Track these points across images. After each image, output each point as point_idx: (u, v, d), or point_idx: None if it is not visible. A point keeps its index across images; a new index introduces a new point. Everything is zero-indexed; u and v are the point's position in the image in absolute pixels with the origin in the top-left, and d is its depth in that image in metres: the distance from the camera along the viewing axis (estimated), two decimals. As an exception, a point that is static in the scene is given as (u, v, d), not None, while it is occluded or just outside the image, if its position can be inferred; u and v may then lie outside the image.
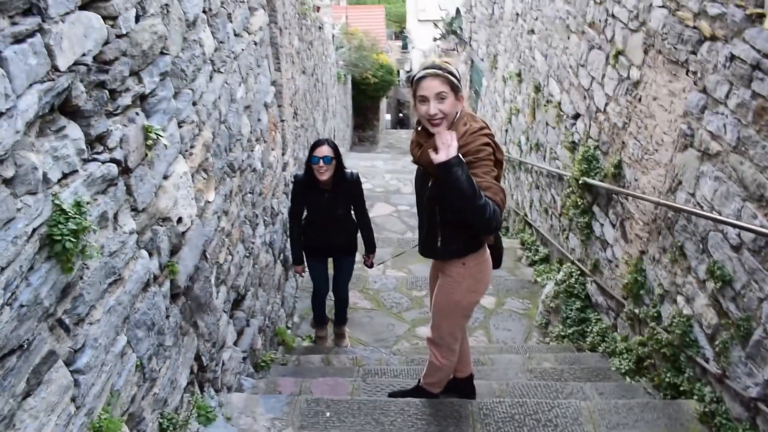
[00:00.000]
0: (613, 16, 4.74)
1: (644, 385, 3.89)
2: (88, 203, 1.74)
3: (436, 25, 18.43)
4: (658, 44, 3.97)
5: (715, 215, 3.20)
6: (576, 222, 5.39)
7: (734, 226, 3.02)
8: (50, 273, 1.59)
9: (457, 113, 2.70)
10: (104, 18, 1.90)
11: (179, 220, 2.55)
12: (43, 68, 1.56)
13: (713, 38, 3.31)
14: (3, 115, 1.39)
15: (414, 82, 2.67)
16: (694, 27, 3.50)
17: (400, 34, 39.45)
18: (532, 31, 7.44)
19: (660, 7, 3.94)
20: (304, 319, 5.76)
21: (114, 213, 1.95)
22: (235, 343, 3.58)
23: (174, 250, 2.50)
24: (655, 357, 3.89)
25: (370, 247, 4.72)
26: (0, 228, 1.40)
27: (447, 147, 2.46)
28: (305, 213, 4.45)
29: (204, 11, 3.03)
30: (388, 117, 31.96)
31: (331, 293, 4.97)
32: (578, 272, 5.34)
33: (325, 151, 4.11)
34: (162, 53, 2.39)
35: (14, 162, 1.46)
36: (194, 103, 2.82)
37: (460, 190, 2.45)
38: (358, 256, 4.81)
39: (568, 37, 5.87)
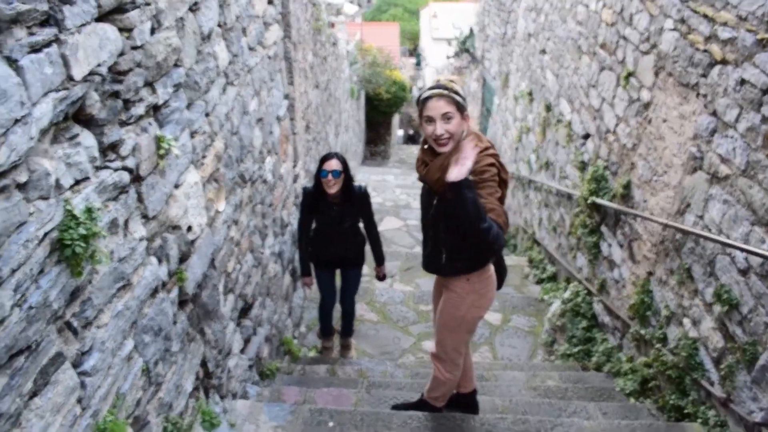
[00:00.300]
0: (624, 38, 4.75)
1: (648, 407, 3.85)
2: (99, 209, 1.76)
3: (449, 43, 18.52)
4: (668, 67, 3.97)
5: (723, 238, 3.18)
6: (584, 241, 5.37)
7: (742, 249, 2.99)
8: (60, 276, 1.61)
9: (463, 132, 2.71)
10: (120, 30, 1.93)
11: (189, 228, 2.57)
12: (59, 77, 1.59)
13: (724, 62, 3.31)
14: (18, 122, 1.42)
15: (421, 102, 2.69)
16: (705, 50, 3.50)
17: (414, 52, 39.70)
18: (543, 51, 7.47)
19: (671, 30, 3.95)
20: (310, 329, 5.76)
21: (124, 220, 1.97)
22: (242, 351, 3.59)
23: (183, 258, 2.52)
24: (660, 379, 3.85)
25: (380, 260, 4.73)
26: (12, 231, 1.42)
27: (462, 165, 2.45)
28: (314, 224, 4.47)
29: (219, 25, 3.07)
30: (401, 132, 32.07)
31: (338, 305, 4.98)
32: (585, 291, 5.31)
33: (333, 164, 4.14)
34: (176, 65, 2.42)
35: (28, 167, 1.48)
36: (207, 115, 2.85)
37: (466, 212, 2.46)
38: (366, 269, 4.81)
39: (580, 58, 5.88)
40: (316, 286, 4.93)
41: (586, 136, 5.60)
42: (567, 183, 6.16)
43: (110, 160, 1.90)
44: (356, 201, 4.32)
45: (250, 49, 3.81)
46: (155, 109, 2.24)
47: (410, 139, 29.13)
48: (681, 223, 3.68)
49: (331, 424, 3.22)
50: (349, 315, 5.01)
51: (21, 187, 1.46)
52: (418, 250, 8.04)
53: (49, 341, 1.59)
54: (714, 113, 3.38)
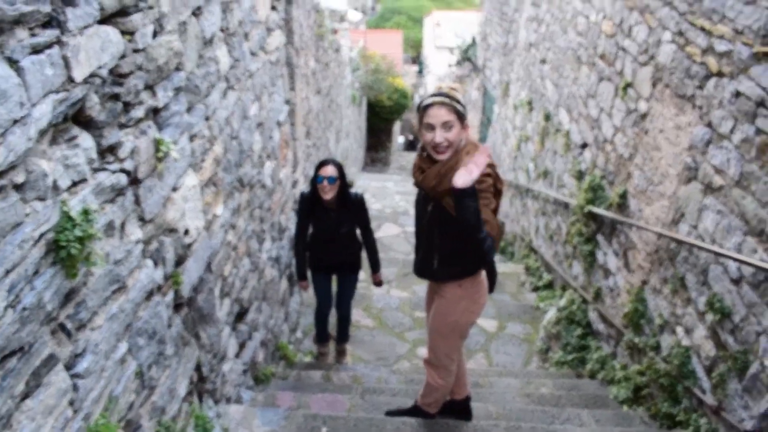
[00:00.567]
0: (623, 49, 4.77)
1: (641, 415, 3.84)
2: (95, 211, 1.76)
3: (451, 51, 18.57)
4: (666, 78, 3.98)
5: (716, 248, 3.19)
6: (580, 250, 5.37)
7: (735, 259, 3.00)
8: (54, 278, 1.60)
9: (461, 141, 2.72)
10: (122, 33, 1.93)
11: (186, 231, 2.57)
12: (59, 79, 1.59)
13: (720, 74, 3.32)
14: (17, 122, 1.42)
15: (421, 109, 2.69)
16: (702, 63, 3.52)
17: (417, 59, 39.79)
18: (544, 61, 7.49)
19: (669, 42, 3.97)
20: (306, 335, 5.75)
21: (121, 222, 1.97)
22: (237, 356, 3.58)
23: (179, 261, 2.52)
24: (653, 387, 3.84)
25: (375, 267, 4.72)
26: (8, 232, 1.42)
27: (471, 172, 2.45)
28: (311, 230, 4.48)
29: (221, 30, 3.08)
30: (401, 139, 32.11)
31: (334, 310, 4.97)
32: (580, 299, 5.31)
33: (329, 171, 4.14)
34: (177, 69, 2.42)
35: (26, 168, 1.48)
36: (207, 119, 2.86)
37: (466, 220, 2.46)
38: (362, 275, 4.81)
39: (579, 68, 5.90)
40: (312, 292, 4.93)
41: (584, 146, 5.61)
42: (564, 192, 6.16)
43: (108, 162, 1.90)
44: (353, 207, 4.32)
45: (252, 54, 3.82)
46: (155, 112, 2.24)
47: (410, 146, 29.18)
48: (675, 233, 3.68)
49: (324, 429, 3.21)
50: (344, 321, 5.00)
51: (18, 187, 1.46)
52: (416, 256, 8.02)
53: (42, 343, 1.59)
54: (709, 124, 3.39)
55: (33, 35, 1.49)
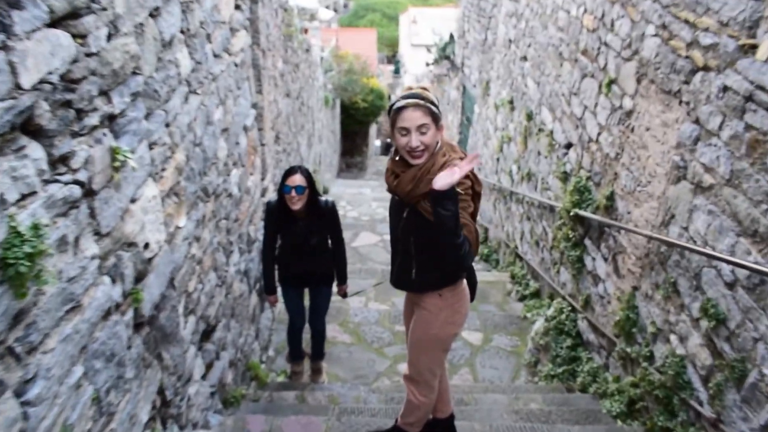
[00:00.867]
0: (606, 44, 4.85)
1: (636, 429, 3.88)
2: (46, 226, 1.74)
3: (429, 50, 18.70)
4: (650, 73, 4.06)
5: (708, 251, 3.23)
6: (567, 255, 5.42)
7: (728, 262, 3.04)
8: (2, 298, 1.58)
9: (437, 143, 2.74)
10: (74, 36, 1.92)
11: (146, 245, 2.55)
12: (5, 86, 1.57)
13: (706, 68, 3.39)
14: (-42, 132, 1.41)
15: (394, 112, 2.70)
16: (687, 57, 3.59)
17: (393, 59, 39.98)
18: (524, 58, 7.57)
19: (653, 36, 4.04)
20: (279, 353, 5.72)
21: (75, 237, 1.95)
22: (203, 377, 3.56)
23: (139, 277, 2.50)
24: (648, 399, 3.89)
25: (343, 278, 4.73)
26: (-51, 250, 1.40)
27: (452, 174, 2.47)
28: (279, 241, 4.47)
29: (181, 31, 3.07)
30: (378, 143, 32.17)
31: (308, 326, 4.95)
32: (569, 308, 5.36)
33: (297, 180, 4.14)
34: (134, 73, 2.41)
35: (-32, 181, 1.46)
36: (167, 125, 2.85)
37: (444, 224, 2.49)
38: (334, 287, 4.81)
39: (561, 65, 5.98)
40: (283, 307, 4.92)
41: (569, 146, 5.68)
42: (549, 194, 6.22)
43: (60, 173, 1.88)
44: (323, 216, 4.33)
45: (215, 56, 3.81)
46: (111, 119, 2.23)
47: (388, 149, 29.28)
48: (666, 235, 3.74)
49: (300, 453, 3.20)
50: (319, 337, 4.99)
51: (-40, 202, 1.44)
52: (396, 266, 8.04)
53: (-10, 368, 1.56)
54: (697, 121, 3.46)
55: (-25, 40, 1.48)
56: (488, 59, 10.15)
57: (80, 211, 1.98)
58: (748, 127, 2.98)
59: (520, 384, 5.37)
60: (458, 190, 2.60)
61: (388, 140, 29.70)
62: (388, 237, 3.26)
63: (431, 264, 2.86)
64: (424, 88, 2.76)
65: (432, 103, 2.68)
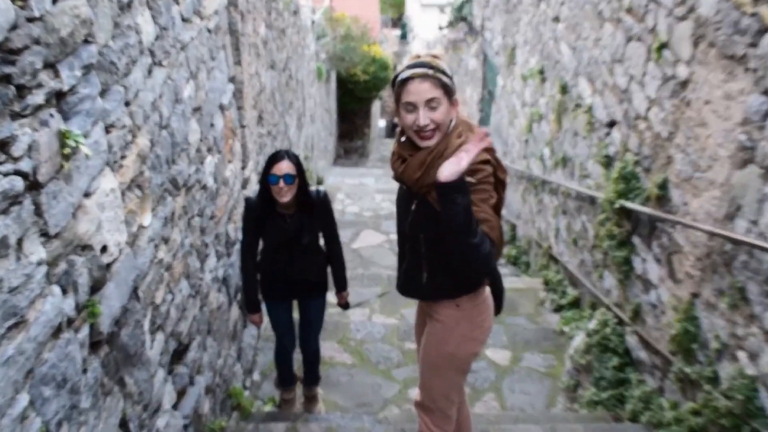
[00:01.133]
0: (655, 0, 4.83)
1: (696, 465, 3.88)
2: (-17, 226, 1.75)
3: (442, 10, 18.68)
4: (710, 35, 4.04)
5: (782, 249, 3.24)
6: (612, 256, 5.42)
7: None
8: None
9: (451, 122, 2.74)
10: (12, -1, 1.93)
11: (104, 248, 2.56)
12: (-70, 58, 1.58)
13: (777, 28, 3.38)
14: None
15: (398, 85, 2.70)
16: (753, 14, 3.57)
17: (399, 22, 39.95)
18: (557, 19, 7.56)
19: (712, -11, 4.03)
20: (266, 377, 5.74)
21: (17, 238, 1.95)
22: (174, 407, 3.57)
23: (96, 287, 2.51)
24: (712, 430, 3.88)
25: (342, 283, 4.74)
26: None
27: (459, 161, 2.48)
28: (261, 245, 4.46)
29: (142, -10, 3.08)
30: (382, 123, 32.17)
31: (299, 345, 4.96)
32: (615, 320, 5.36)
33: (285, 167, 4.13)
34: (86, 41, 2.41)
35: None
36: (127, 104, 2.85)
37: (453, 222, 2.49)
38: (330, 296, 4.80)
39: (601, 26, 5.96)
40: (268, 323, 4.91)
41: (611, 124, 5.67)
42: (589, 183, 6.22)
43: (-2, 162, 1.89)
44: (315, 210, 4.33)
45: (184, 20, 3.82)
46: (59, 97, 2.23)
47: (393, 131, 29.33)
48: (731, 231, 3.73)
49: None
50: (312, 358, 4.99)
51: None
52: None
53: None
54: (766, 92, 3.44)
55: None
56: (513, 20, 10.13)
57: (23, 207, 1.99)
58: (829, 99, 2.97)
59: (556, 412, 5.37)
60: (470, 179, 2.60)
61: (395, 119, 29.73)
62: (395, 237, 3.26)
63: (445, 266, 2.85)
64: (436, 56, 2.75)
65: (444, 73, 2.68)
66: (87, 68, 2.41)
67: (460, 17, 15.53)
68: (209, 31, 4.37)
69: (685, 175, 4.32)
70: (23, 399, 1.99)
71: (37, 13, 2.05)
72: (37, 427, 2.07)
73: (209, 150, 4.33)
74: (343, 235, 4.61)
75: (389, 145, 24.89)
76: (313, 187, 4.38)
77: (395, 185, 3.01)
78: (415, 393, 5.42)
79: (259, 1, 6.79)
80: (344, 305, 4.85)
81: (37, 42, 2.05)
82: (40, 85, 2.08)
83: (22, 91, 2.00)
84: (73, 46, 2.30)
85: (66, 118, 2.27)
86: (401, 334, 6.31)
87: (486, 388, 5.67)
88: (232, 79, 5.20)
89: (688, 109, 4.32)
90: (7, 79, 1.91)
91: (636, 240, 5.08)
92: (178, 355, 3.68)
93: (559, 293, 6.96)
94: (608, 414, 4.99)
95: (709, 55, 4.05)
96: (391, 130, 30.48)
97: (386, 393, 5.54)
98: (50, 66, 2.16)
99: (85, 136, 2.36)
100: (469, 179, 2.57)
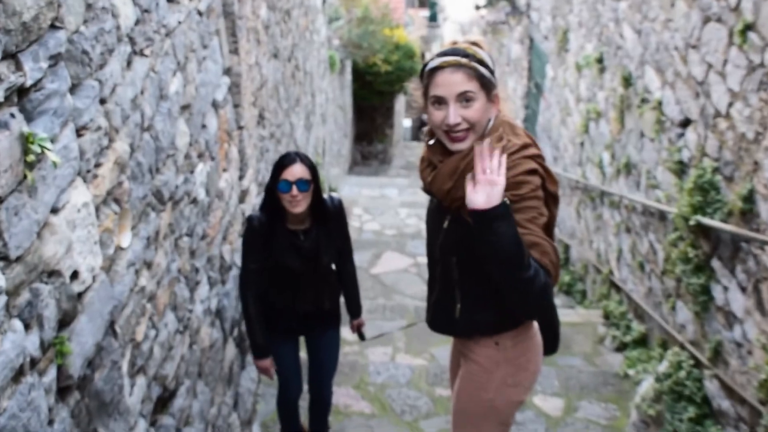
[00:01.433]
0: (738, -27, 4.82)
1: None
2: (-69, 248, 1.76)
3: (479, -14, 18.70)
4: (805, 15, 4.02)
5: None
6: (686, 284, 5.37)
7: None
8: None
9: (489, 122, 2.72)
10: (-35, -26, 1.95)
11: (74, 274, 2.57)
12: None
13: None
14: None
15: (426, 75, 2.70)
16: None
17: (427, 1, 40.06)
18: (619, -4, 7.55)
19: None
20: (268, 429, 5.73)
21: (-28, 263, 1.97)
22: (159, 466, 3.57)
23: (65, 321, 2.51)
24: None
25: (357, 308, 4.75)
26: None
27: (490, 182, 2.45)
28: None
29: (121, -35, 3.10)
30: (408, 123, 32.18)
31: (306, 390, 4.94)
32: (691, 362, 5.32)
33: (297, 171, 4.09)
34: (53, 27, 2.43)
35: None
36: (103, 101, 2.87)
37: (500, 254, 2.46)
38: (343, 331, 4.77)
39: (673, 5, 5.95)
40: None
41: (685, 123, 5.64)
42: (658, 195, 6.18)
43: (-51, 172, 1.91)
44: (331, 221, 4.33)
45: (170, 1, 3.84)
46: (21, 93, 2.25)
47: (421, 131, 29.38)
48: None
49: None
50: (322, 405, 4.95)
51: None
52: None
53: None
54: None
55: None
56: (566, -1, 10.15)
57: (-22, 226, 2.00)
58: None
59: (619, 473, 5.33)
60: (520, 192, 2.57)
61: (423, 117, 29.76)
62: (423, 260, 3.25)
63: (483, 296, 2.83)
64: (475, 43, 2.74)
65: (481, 62, 2.66)
66: (54, 59, 2.43)
67: (502, -5, 15.56)
68: (200, 13, 4.40)
69: (776, 185, 4.28)
70: (-22, 456, 2.00)
71: (-6, -7, 2.07)
72: (-7, 491, 2.07)
73: (200, 156, 4.34)
74: (360, 258, 4.60)
75: (416, 150, 24.92)
76: (325, 194, 4.34)
77: (424, 198, 3.00)
78: (447, 449, 5.42)
79: (260, -22, 6.84)
80: (360, 334, 4.85)
81: (-6, 27, 2.07)
82: (-1, 80, 2.10)
83: (-24, 87, 2.01)
84: (38, 33, 2.32)
85: (30, 118, 2.28)
86: (431, 377, 6.27)
87: (534, 443, 5.63)
88: (227, 71, 5.22)
89: (779, 104, 4.29)
90: (-41, 72, 1.93)
91: (716, 264, 5.03)
92: (163, 402, 3.68)
93: (623, 328, 6.90)
94: (684, 476, 4.94)
95: (805, 40, 4.03)
96: (418, 131, 30.48)
97: (413, 449, 5.52)
98: (11, 56, 2.17)
99: (53, 140, 2.37)
100: (510, 194, 2.55)
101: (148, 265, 3.40)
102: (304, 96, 10.60)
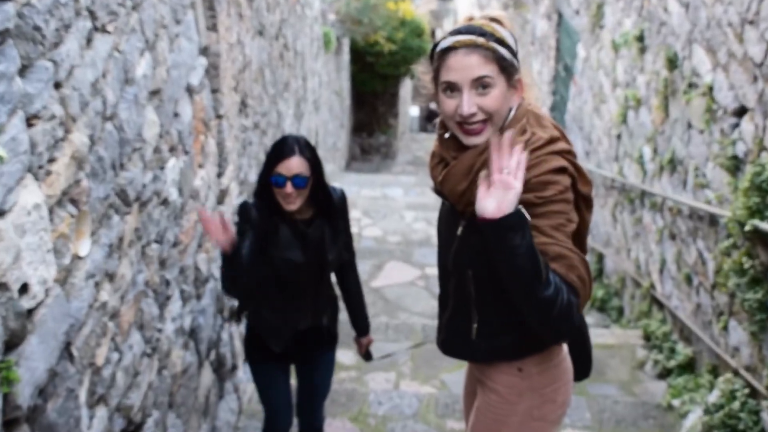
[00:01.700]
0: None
1: None
2: None
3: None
4: None
5: None
6: (742, 300, 5.37)
7: None
8: None
9: (510, 111, 2.71)
10: None
11: (23, 288, 2.57)
12: None
13: None
14: None
15: (437, 58, 2.69)
16: None
17: (438, -31, 40.17)
18: (662, -37, 7.55)
19: None
20: (251, 468, 5.73)
21: None
22: None
23: (12, 342, 2.51)
24: None
25: (364, 324, 4.71)
26: None
27: (505, 185, 2.43)
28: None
29: (78, -74, 3.10)
30: (415, 112, 32.21)
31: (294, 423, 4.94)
32: (746, 390, 5.31)
33: (295, 166, 4.01)
34: (0, -2, 2.44)
35: None
36: (58, 85, 2.87)
37: (512, 270, 2.46)
38: (343, 355, 4.76)
39: (725, -27, 5.95)
40: (255, 395, 4.83)
41: (741, 112, 5.64)
42: (708, 195, 6.18)
43: None
44: (333, 215, 4.28)
45: (137, -33, 3.85)
46: (-39, 76, 2.26)
47: (429, 121, 29.37)
48: None
49: None
50: (314, 438, 4.95)
51: None
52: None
53: None
54: None
55: None
56: (600, -33, 10.15)
57: None
58: None
59: None
60: (544, 194, 2.55)
61: (431, 105, 29.78)
62: (433, 271, 3.23)
63: (503, 315, 2.82)
64: (497, 19, 2.73)
65: (501, 41, 2.65)
66: (1, 36, 2.43)
67: (524, -38, 15.60)
68: (173, -17, 4.41)
69: None
70: None
71: (-68, -40, 2.07)
72: None
73: (172, 150, 4.34)
74: (359, 269, 4.56)
75: (425, 143, 24.97)
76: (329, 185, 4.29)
77: (434, 199, 2.99)
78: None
79: (243, -58, 6.84)
80: (366, 355, 4.83)
81: (-70, 0, 2.08)
82: (-64, 61, 2.11)
83: None
84: (-18, 6, 2.33)
85: (-28, 105, 2.29)
86: (441, 408, 6.26)
87: (562, 486, 5.64)
88: (204, 51, 5.22)
89: None
90: None
91: (776, 276, 5.04)
92: (128, 437, 3.68)
93: (666, 352, 6.90)
94: None
95: None
96: (427, 121, 30.54)
97: (420, 493, 5.53)
98: (-51, 33, 2.18)
99: (-1, 130, 2.38)
100: (534, 196, 2.54)
101: (111, 277, 3.40)
102: (294, 80, 10.61)
